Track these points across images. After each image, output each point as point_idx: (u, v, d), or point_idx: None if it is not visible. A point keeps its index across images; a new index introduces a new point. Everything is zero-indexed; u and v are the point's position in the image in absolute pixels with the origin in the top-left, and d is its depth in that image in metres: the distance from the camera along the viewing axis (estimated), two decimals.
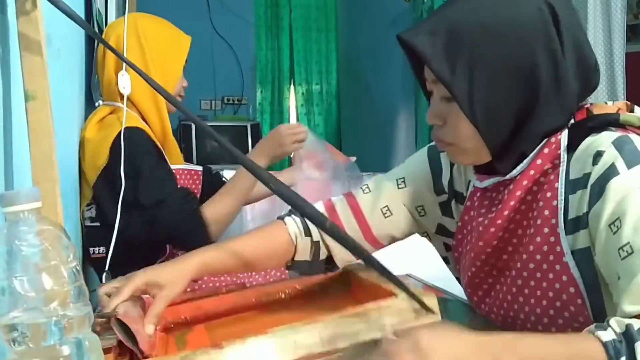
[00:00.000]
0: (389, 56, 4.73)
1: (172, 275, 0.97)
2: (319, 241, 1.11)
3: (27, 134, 0.76)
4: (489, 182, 0.98)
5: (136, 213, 1.41)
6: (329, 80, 5.68)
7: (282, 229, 1.12)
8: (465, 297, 1.14)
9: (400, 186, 1.13)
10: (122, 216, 1.38)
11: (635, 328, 0.71)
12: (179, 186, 1.55)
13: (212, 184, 1.73)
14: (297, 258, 1.12)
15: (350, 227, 1.12)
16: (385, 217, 1.12)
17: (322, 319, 0.82)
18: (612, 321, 0.73)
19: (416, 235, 1.19)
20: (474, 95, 0.89)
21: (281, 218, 1.14)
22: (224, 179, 2.46)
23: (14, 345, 0.59)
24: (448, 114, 0.94)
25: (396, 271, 0.92)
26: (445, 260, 1.20)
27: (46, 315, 0.60)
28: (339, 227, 0.98)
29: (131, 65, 0.78)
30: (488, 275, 1.02)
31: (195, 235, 1.44)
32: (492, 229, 0.96)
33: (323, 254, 1.12)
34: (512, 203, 0.94)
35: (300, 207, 0.81)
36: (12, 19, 0.74)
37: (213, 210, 1.49)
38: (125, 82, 1.50)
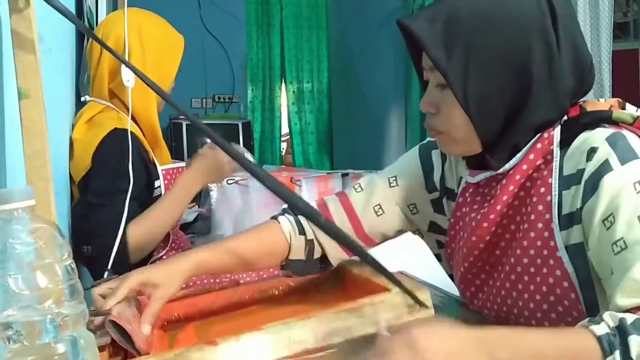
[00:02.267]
0: (380, 54, 4.74)
1: (167, 276, 0.97)
2: (313, 239, 1.11)
3: (20, 132, 0.76)
4: (480, 177, 0.99)
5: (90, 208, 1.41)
6: (320, 79, 5.68)
7: (277, 227, 1.11)
8: (457, 294, 1.15)
9: (392, 184, 1.13)
10: (82, 209, 1.39)
11: (629, 322, 0.72)
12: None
13: None
14: (291, 257, 1.11)
15: (343, 225, 1.11)
16: (378, 216, 1.12)
17: (316, 315, 0.82)
18: (606, 315, 0.74)
19: (408, 233, 1.20)
20: (468, 82, 0.89)
21: (274, 217, 1.14)
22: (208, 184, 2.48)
23: (9, 343, 0.59)
24: (442, 101, 0.94)
25: (389, 268, 0.92)
26: (438, 257, 1.21)
27: (41, 313, 0.60)
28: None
29: (123, 61, 0.78)
30: (481, 270, 1.02)
31: (109, 255, 1.37)
32: (485, 224, 0.97)
33: (317, 253, 1.12)
34: (504, 198, 0.94)
35: (294, 204, 0.81)
36: (4, 17, 0.74)
37: (136, 232, 1.41)
38: (130, 74, 1.48)
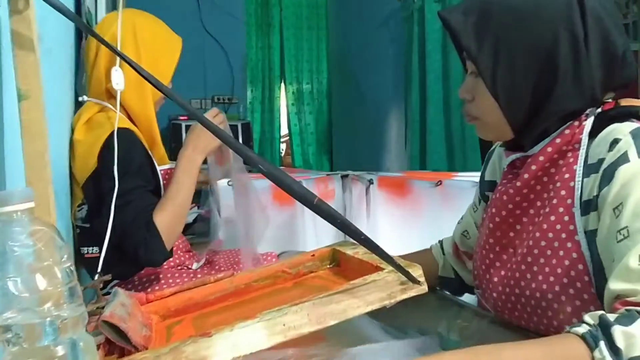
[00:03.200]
0: (380, 55, 4.74)
1: None
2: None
3: (19, 133, 0.75)
4: (512, 157, 1.04)
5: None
6: (320, 79, 5.68)
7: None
8: (459, 298, 1.16)
9: (474, 210, 1.26)
10: (105, 217, 1.36)
11: (610, 317, 0.74)
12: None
13: None
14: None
15: None
16: (467, 239, 1.26)
17: (310, 299, 0.82)
18: (586, 317, 0.77)
19: (402, 235, 1.23)
20: (497, 71, 0.96)
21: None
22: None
23: (8, 346, 0.59)
24: (475, 89, 1.01)
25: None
26: None
27: (40, 316, 0.60)
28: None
29: (126, 60, 0.78)
30: (491, 250, 1.06)
31: (147, 247, 1.38)
32: (505, 197, 1.02)
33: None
34: (526, 176, 0.99)
35: (288, 187, 0.80)
36: (4, 18, 0.74)
37: (163, 219, 1.40)
38: (119, 78, 1.48)
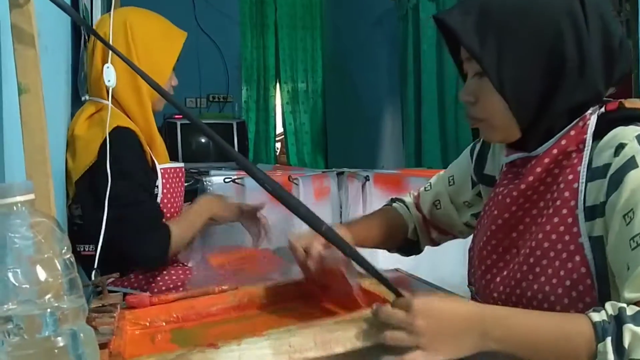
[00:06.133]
0: (375, 54, 4.74)
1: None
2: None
3: (19, 127, 0.76)
4: (514, 156, 1.03)
5: (110, 212, 1.39)
6: (315, 79, 5.68)
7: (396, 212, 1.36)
8: (457, 293, 1.17)
9: (450, 184, 1.29)
10: (99, 214, 1.37)
11: (628, 312, 0.74)
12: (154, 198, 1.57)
13: None
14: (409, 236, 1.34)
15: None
16: (437, 209, 1.30)
17: (318, 323, 0.83)
18: (607, 305, 0.76)
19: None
20: (503, 68, 0.93)
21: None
22: (206, 183, 2.48)
23: (9, 337, 0.59)
24: (480, 90, 0.98)
25: (389, 265, 0.94)
26: None
27: (40, 307, 0.60)
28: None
29: (119, 55, 0.78)
30: (494, 251, 1.05)
31: (156, 245, 1.47)
32: (508, 200, 1.00)
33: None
34: (530, 178, 0.97)
35: (295, 208, 0.81)
36: (4, 12, 0.74)
37: (179, 230, 1.52)
38: (110, 75, 1.48)
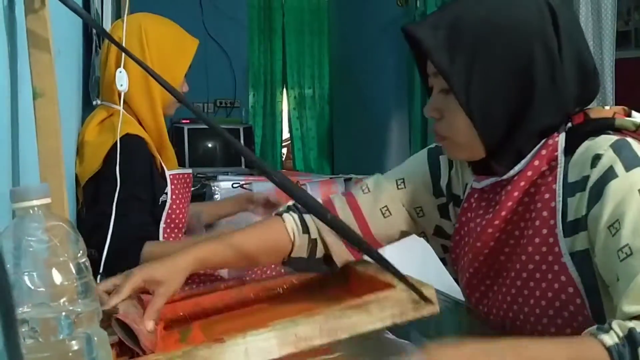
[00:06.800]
0: (382, 60, 4.74)
1: (169, 272, 0.96)
2: (316, 239, 1.11)
3: (34, 131, 0.76)
4: (486, 182, 0.99)
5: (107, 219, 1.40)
6: (322, 84, 5.69)
7: (280, 225, 1.11)
8: (462, 299, 1.15)
9: (399, 187, 1.13)
10: (95, 219, 1.38)
11: (639, 331, 0.72)
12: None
13: None
14: (294, 255, 1.11)
15: (350, 225, 1.11)
16: (385, 218, 1.12)
17: (322, 312, 0.82)
18: (615, 324, 0.74)
19: (413, 236, 1.21)
20: (471, 87, 0.90)
21: (279, 214, 1.14)
22: (213, 188, 2.50)
23: (24, 340, 0.59)
24: (445, 107, 0.95)
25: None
26: (443, 261, 1.21)
27: (55, 310, 0.60)
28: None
29: (134, 58, 0.79)
30: (486, 276, 1.03)
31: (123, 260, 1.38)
32: (490, 230, 0.97)
33: (320, 252, 1.12)
34: (509, 204, 0.95)
35: (302, 199, 0.81)
36: (20, 17, 0.75)
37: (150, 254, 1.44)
38: (123, 79, 1.49)
